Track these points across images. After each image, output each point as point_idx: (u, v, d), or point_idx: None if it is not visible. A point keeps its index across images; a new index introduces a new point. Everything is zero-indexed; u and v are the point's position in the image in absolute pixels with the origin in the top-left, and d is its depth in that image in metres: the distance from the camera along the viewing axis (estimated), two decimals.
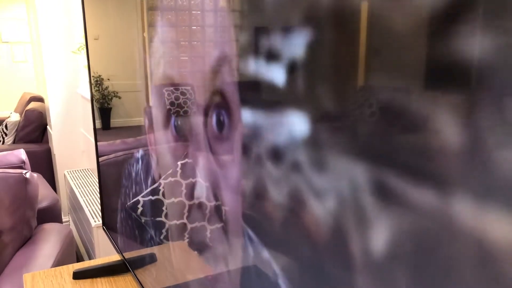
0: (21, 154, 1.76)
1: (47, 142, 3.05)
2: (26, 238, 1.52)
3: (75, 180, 2.30)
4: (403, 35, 0.23)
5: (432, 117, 0.22)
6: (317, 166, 0.32)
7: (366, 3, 0.26)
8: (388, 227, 0.26)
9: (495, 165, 0.19)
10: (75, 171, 2.48)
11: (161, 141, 0.64)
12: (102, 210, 1.14)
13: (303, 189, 0.34)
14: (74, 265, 1.06)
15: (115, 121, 0.94)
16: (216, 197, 0.50)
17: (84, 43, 1.06)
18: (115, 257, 1.08)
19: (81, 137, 2.67)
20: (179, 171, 0.59)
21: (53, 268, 1.06)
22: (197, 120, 0.51)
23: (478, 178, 0.20)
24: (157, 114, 0.64)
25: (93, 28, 0.98)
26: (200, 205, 0.54)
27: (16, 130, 3.13)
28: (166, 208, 0.66)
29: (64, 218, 2.55)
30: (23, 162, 1.74)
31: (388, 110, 0.25)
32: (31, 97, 3.42)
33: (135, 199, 0.79)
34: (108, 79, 0.94)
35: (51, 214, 1.78)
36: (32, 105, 3.17)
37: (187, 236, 0.59)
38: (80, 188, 2.16)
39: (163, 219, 0.67)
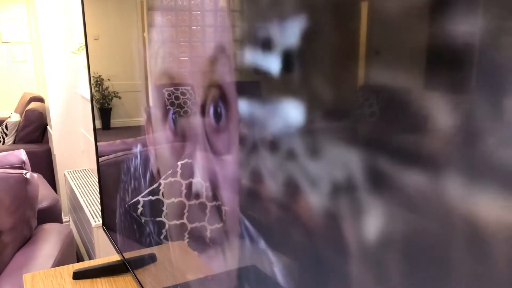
0: (21, 154, 1.76)
1: (47, 142, 3.05)
2: (26, 238, 1.52)
3: (75, 180, 2.30)
4: (388, 15, 0.23)
5: (425, 102, 0.22)
6: (313, 154, 0.32)
7: None
8: (382, 212, 0.26)
9: (486, 149, 0.19)
10: (75, 171, 2.48)
11: (160, 136, 0.64)
12: (102, 210, 1.14)
13: (300, 178, 0.34)
14: (74, 265, 1.06)
15: (115, 121, 0.94)
16: (215, 192, 0.50)
17: (84, 43, 1.06)
18: (115, 257, 1.08)
19: (81, 137, 2.68)
20: (179, 166, 0.59)
21: (53, 268, 1.06)
22: (195, 114, 0.51)
23: (470, 161, 0.20)
24: (156, 108, 0.64)
25: (93, 28, 0.98)
26: (199, 200, 0.54)
27: (17, 130, 3.13)
28: (163, 193, 0.66)
29: (64, 218, 2.55)
30: (23, 162, 1.74)
31: (382, 97, 0.25)
32: (31, 97, 3.42)
33: (135, 199, 0.79)
34: (109, 79, 0.94)
35: (51, 214, 1.78)
36: (32, 105, 3.17)
37: (186, 220, 0.59)
38: (80, 188, 2.16)
39: (163, 215, 0.67)
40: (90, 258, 1.93)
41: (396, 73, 0.24)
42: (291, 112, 0.34)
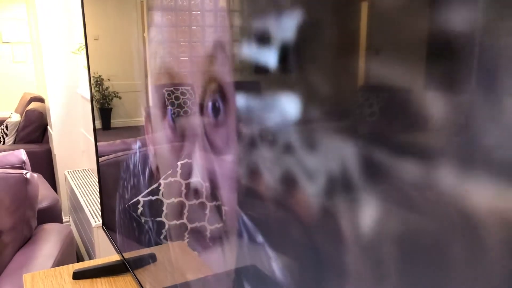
0: (21, 154, 1.76)
1: (47, 142, 3.05)
2: (26, 238, 1.52)
3: (76, 180, 2.30)
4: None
5: (419, 92, 0.22)
6: (312, 149, 0.32)
7: None
8: (380, 206, 0.26)
9: (484, 144, 0.19)
10: (75, 171, 2.48)
11: (160, 135, 0.64)
12: (102, 210, 1.14)
13: (299, 173, 0.34)
14: (74, 265, 1.06)
15: (115, 121, 0.94)
16: (214, 192, 0.50)
17: (84, 43, 1.06)
18: (115, 257, 1.08)
19: (81, 137, 2.68)
20: (179, 166, 0.59)
21: (53, 268, 1.06)
22: (195, 114, 0.51)
23: (465, 155, 0.20)
24: (156, 108, 0.64)
25: (93, 28, 0.98)
26: (199, 200, 0.54)
27: (17, 130, 3.13)
28: (162, 186, 0.66)
29: (64, 218, 2.55)
30: (24, 162, 1.74)
31: (381, 94, 0.25)
32: (31, 97, 3.42)
33: (135, 199, 0.80)
34: (109, 79, 0.94)
35: (51, 214, 1.78)
36: (33, 105, 3.17)
37: (186, 219, 0.59)
38: (80, 188, 2.16)
39: (163, 215, 0.67)
40: (90, 258, 1.93)
41: (395, 69, 0.24)
42: (290, 110, 0.34)
